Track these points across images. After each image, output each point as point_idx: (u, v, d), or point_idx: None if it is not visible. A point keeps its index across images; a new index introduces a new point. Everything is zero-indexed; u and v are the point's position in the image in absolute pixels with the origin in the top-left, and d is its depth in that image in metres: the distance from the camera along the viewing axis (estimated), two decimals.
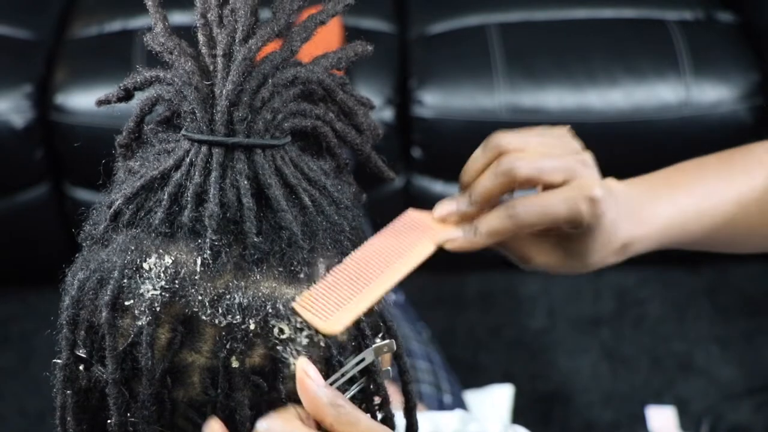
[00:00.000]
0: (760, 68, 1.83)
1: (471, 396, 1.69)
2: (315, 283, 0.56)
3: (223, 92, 0.56)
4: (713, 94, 1.80)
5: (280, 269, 0.55)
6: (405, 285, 1.70)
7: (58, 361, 0.58)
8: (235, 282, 0.55)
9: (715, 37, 1.89)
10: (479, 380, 1.80)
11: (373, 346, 0.58)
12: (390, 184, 1.85)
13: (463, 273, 2.00)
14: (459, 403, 1.30)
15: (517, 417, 1.74)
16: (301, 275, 0.56)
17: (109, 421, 0.56)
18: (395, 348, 0.59)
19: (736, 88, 1.80)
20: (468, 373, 1.80)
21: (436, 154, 1.84)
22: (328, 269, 0.57)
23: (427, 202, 2.06)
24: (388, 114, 1.79)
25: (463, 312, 1.97)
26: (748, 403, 1.81)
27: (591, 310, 1.97)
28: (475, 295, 1.98)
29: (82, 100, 1.80)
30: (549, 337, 1.93)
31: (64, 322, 0.58)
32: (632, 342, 1.92)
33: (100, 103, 0.63)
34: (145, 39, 0.61)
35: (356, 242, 0.60)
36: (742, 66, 1.82)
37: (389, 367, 0.61)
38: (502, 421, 1.23)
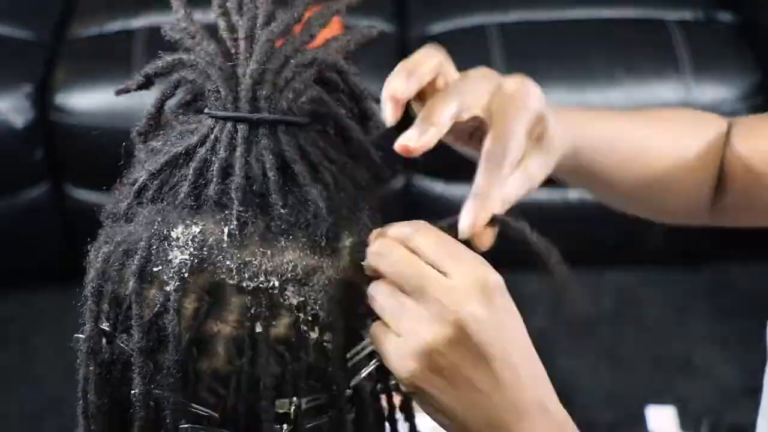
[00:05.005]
0: (760, 68, 1.83)
1: None
2: (339, 255, 0.58)
3: (247, 71, 0.58)
4: (713, 94, 1.79)
5: (305, 240, 0.57)
6: None
7: (81, 335, 0.59)
8: (261, 250, 0.56)
9: (715, 37, 1.89)
10: None
11: None
12: (390, 183, 1.85)
13: None
14: None
15: None
16: (326, 246, 0.57)
17: (133, 391, 0.57)
18: None
19: (736, 88, 1.80)
20: None
21: (436, 154, 1.83)
22: (351, 244, 0.59)
23: (428, 202, 2.06)
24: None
25: None
26: (748, 403, 1.81)
27: (591, 310, 1.97)
28: None
29: (82, 100, 1.80)
30: (549, 337, 1.93)
31: (89, 294, 0.58)
32: (632, 342, 1.92)
33: (119, 92, 0.64)
34: (163, 30, 0.62)
35: (374, 222, 0.61)
36: (742, 66, 1.82)
37: None
38: None
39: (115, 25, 1.94)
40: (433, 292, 0.53)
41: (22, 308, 2.00)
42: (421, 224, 0.57)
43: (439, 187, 1.87)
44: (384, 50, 1.86)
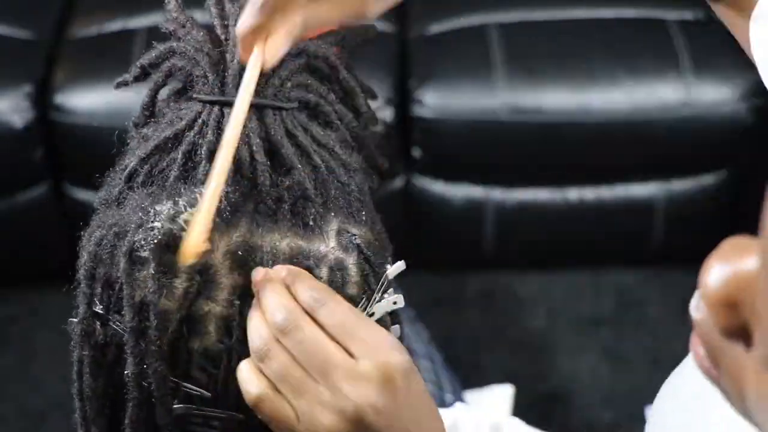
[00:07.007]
0: None
1: (471, 396, 1.69)
2: (327, 237, 0.58)
3: (235, 56, 0.58)
4: (713, 94, 1.79)
5: (293, 221, 0.57)
6: (405, 285, 1.70)
7: (74, 319, 0.59)
8: (250, 231, 0.57)
9: (715, 37, 1.88)
10: (480, 380, 1.80)
11: (383, 301, 0.60)
12: (390, 183, 1.85)
13: (463, 273, 2.00)
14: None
15: (518, 417, 1.74)
16: (314, 228, 0.58)
17: (126, 372, 0.57)
18: (402, 304, 0.61)
19: (736, 88, 1.80)
20: (468, 373, 1.80)
21: (436, 154, 1.83)
22: (340, 226, 0.59)
23: (427, 202, 2.05)
24: (388, 114, 1.79)
25: (464, 312, 1.96)
26: None
27: (591, 310, 1.97)
28: (476, 295, 1.98)
29: (82, 100, 1.80)
30: (549, 337, 1.93)
31: (82, 277, 0.59)
32: (632, 342, 1.92)
33: (118, 85, 0.65)
34: (160, 23, 0.64)
35: (364, 203, 0.62)
36: (742, 66, 1.82)
37: (398, 325, 0.62)
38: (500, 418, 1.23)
39: (115, 25, 1.93)
40: (337, 379, 0.52)
41: (22, 308, 2.00)
42: (325, 291, 0.55)
43: (439, 187, 1.87)
44: (384, 50, 1.86)
